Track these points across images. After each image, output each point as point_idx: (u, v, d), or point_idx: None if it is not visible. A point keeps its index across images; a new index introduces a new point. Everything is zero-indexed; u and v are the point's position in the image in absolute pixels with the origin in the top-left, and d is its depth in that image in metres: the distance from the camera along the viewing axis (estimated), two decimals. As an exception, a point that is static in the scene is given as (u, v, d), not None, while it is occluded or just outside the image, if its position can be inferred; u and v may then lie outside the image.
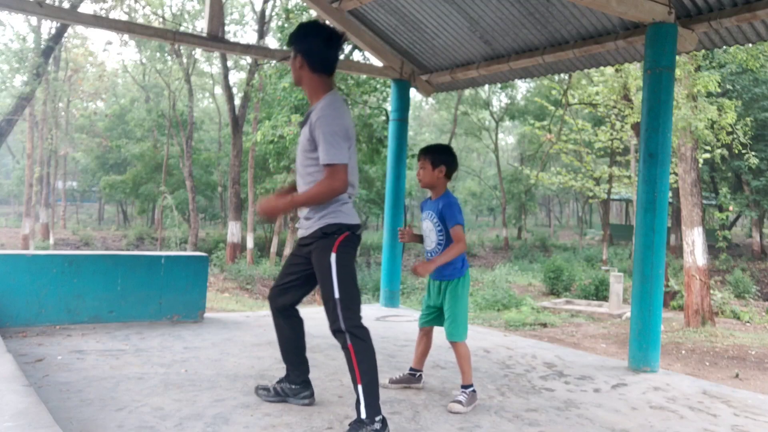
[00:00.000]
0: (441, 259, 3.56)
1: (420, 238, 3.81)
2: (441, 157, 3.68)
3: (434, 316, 3.84)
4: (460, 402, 3.53)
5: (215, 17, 5.98)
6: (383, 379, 3.95)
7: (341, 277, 3.03)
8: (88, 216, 48.88)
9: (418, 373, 3.98)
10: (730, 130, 13.06)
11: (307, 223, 3.16)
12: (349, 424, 3.00)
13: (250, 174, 23.39)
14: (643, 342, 4.76)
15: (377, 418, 2.94)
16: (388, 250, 7.22)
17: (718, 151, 13.54)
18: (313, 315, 6.66)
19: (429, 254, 3.71)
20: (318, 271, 3.09)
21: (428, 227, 3.70)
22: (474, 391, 3.63)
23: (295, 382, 3.47)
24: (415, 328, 6.20)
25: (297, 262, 3.30)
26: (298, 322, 3.44)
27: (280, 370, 3.91)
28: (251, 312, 7.00)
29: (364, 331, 3.03)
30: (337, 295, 3.01)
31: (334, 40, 3.15)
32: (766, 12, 4.49)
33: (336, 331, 3.02)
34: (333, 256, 3.04)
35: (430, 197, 3.75)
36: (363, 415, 2.93)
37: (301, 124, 3.22)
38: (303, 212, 3.19)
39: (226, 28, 29.61)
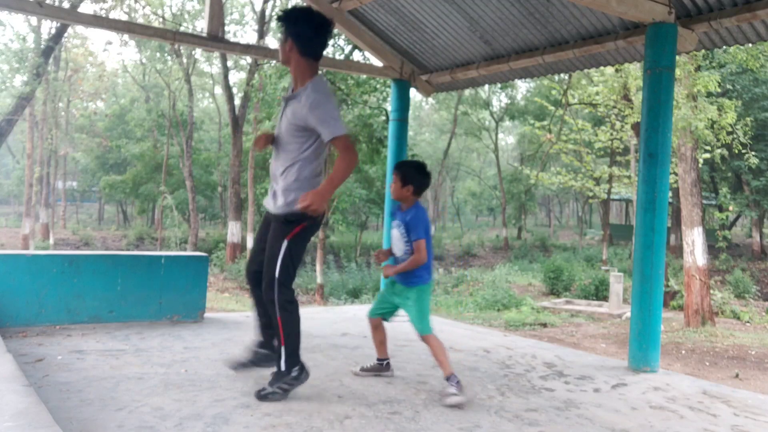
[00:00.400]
0: (400, 267, 3.87)
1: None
2: (411, 176, 3.89)
3: (387, 310, 4.11)
4: (453, 393, 3.63)
5: (215, 17, 5.98)
6: (355, 367, 4.29)
7: (286, 262, 3.37)
8: (88, 216, 48.88)
9: (386, 362, 4.22)
10: (730, 130, 13.05)
11: (273, 201, 3.45)
12: (272, 375, 3.46)
13: (250, 174, 23.38)
14: (643, 342, 4.76)
15: (295, 368, 3.44)
16: (388, 250, 7.21)
17: (718, 151, 13.53)
18: (313, 315, 6.68)
19: (395, 261, 3.97)
20: (269, 247, 3.42)
21: (396, 236, 3.93)
22: (459, 381, 3.71)
23: (270, 348, 3.67)
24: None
25: (267, 231, 3.53)
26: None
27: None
28: (251, 312, 6.99)
29: (294, 305, 3.44)
30: (277, 275, 3.37)
31: (324, 27, 3.36)
32: (766, 12, 4.49)
33: (269, 300, 3.42)
34: (285, 243, 3.36)
35: (401, 207, 3.97)
36: (283, 368, 3.43)
37: (285, 100, 3.44)
38: (276, 186, 3.43)
39: (226, 28, 29.60)
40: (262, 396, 3.44)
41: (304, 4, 6.56)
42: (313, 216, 3.33)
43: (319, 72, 3.42)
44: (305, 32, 3.31)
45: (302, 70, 3.36)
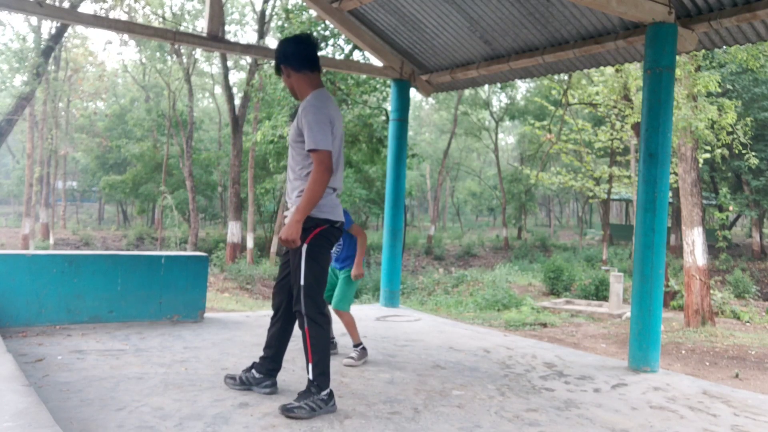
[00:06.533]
0: (360, 258, 4.58)
1: None
2: None
3: (330, 294, 4.73)
4: (352, 357, 4.43)
5: (215, 17, 5.98)
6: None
7: (308, 267, 3.34)
8: (88, 216, 48.87)
9: (333, 340, 4.78)
10: (730, 130, 13.04)
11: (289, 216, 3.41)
12: (298, 394, 3.34)
13: (250, 174, 23.39)
14: (643, 342, 4.76)
15: (325, 392, 3.32)
16: (388, 250, 7.21)
17: (718, 151, 13.51)
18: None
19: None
20: (291, 257, 3.42)
21: None
22: (364, 348, 4.53)
23: (261, 372, 3.67)
24: (416, 328, 6.20)
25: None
26: (291, 320, 3.64)
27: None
28: (251, 312, 7.00)
29: (324, 317, 3.40)
30: (302, 282, 3.34)
31: (303, 40, 3.49)
32: (766, 12, 4.49)
33: (297, 312, 3.39)
34: (304, 247, 3.33)
35: None
36: (313, 383, 3.31)
37: (291, 117, 3.61)
38: (290, 206, 3.46)
39: (226, 28, 29.61)
40: (287, 410, 3.24)
41: (309, 8, 6.56)
42: (326, 219, 3.36)
43: (322, 87, 3.48)
44: (289, 50, 3.45)
45: (301, 85, 3.46)
